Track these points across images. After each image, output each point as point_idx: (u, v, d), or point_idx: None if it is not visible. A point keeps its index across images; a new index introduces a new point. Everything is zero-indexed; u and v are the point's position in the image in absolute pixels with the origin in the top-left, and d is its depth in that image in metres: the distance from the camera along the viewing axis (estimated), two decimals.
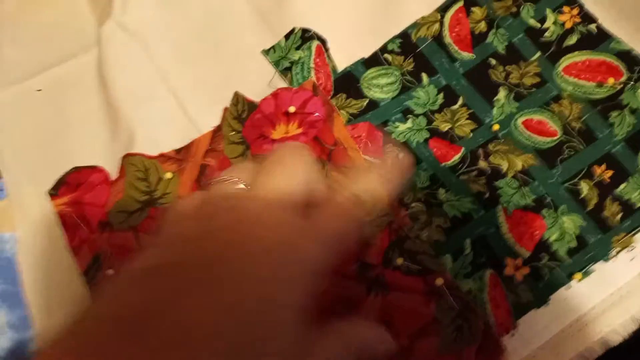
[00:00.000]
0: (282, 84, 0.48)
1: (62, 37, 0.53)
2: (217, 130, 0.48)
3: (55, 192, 0.47)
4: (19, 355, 0.43)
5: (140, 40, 0.52)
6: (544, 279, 0.41)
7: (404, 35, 0.49)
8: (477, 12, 0.49)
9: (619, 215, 0.42)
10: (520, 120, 0.45)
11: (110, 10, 0.52)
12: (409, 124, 0.46)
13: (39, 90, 0.52)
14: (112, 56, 0.51)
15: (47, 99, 0.51)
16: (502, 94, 0.46)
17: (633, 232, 0.41)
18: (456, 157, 0.45)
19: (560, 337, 0.40)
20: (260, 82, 0.49)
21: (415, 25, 0.49)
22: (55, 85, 0.52)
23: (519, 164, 0.44)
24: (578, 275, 0.41)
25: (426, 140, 0.45)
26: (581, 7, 0.47)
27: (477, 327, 0.39)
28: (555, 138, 0.44)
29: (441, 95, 0.47)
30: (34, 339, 0.43)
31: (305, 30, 0.50)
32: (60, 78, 0.52)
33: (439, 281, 0.40)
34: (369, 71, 0.48)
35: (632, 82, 0.45)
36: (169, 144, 0.47)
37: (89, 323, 0.22)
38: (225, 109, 0.48)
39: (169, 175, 0.46)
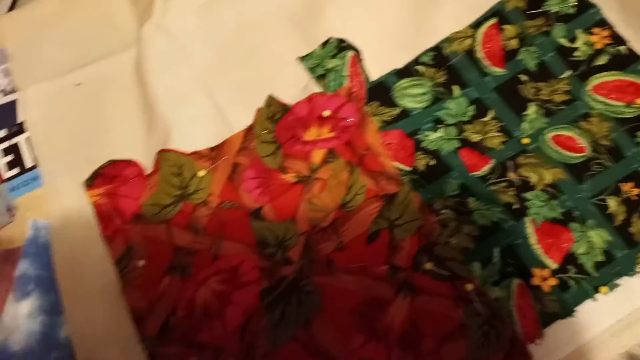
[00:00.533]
0: (316, 89, 0.50)
1: (102, 35, 0.55)
2: (250, 130, 0.49)
3: (90, 183, 0.48)
4: (49, 339, 0.44)
5: (180, 42, 0.53)
6: (570, 290, 0.41)
7: (437, 49, 0.50)
8: (509, 29, 0.50)
9: None
10: (549, 135, 0.46)
11: (151, 12, 0.54)
12: (439, 133, 0.47)
13: (78, 84, 0.53)
14: (151, 56, 0.52)
15: (86, 94, 0.53)
16: (532, 109, 0.47)
17: None
18: (486, 168, 0.45)
19: (586, 348, 0.40)
20: (293, 87, 0.50)
21: (448, 40, 0.50)
22: (94, 81, 0.53)
23: (548, 177, 0.45)
24: (604, 289, 0.41)
25: (456, 149, 0.46)
26: (612, 29, 0.48)
27: (504, 334, 0.39)
28: (583, 154, 0.45)
29: (472, 107, 0.48)
30: (63, 324, 0.44)
31: (340, 41, 0.51)
32: (100, 74, 0.53)
33: (469, 286, 0.40)
34: (401, 81, 0.49)
35: None
36: (203, 142, 0.49)
37: None
38: (259, 110, 0.49)
39: (202, 172, 0.47)
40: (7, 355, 0.43)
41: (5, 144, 0.52)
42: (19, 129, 0.53)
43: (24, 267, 0.46)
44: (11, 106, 0.54)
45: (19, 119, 0.53)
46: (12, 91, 0.55)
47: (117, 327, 0.43)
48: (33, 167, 0.51)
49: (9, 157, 0.52)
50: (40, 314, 0.45)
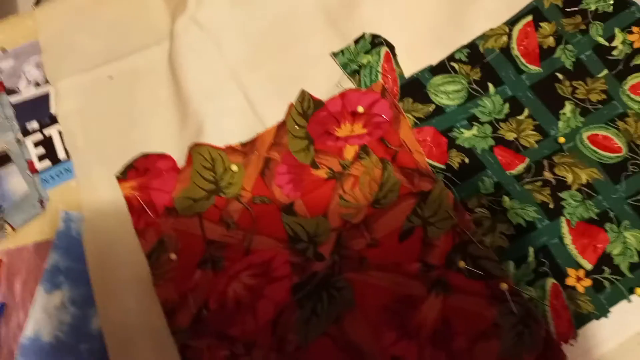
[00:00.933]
0: (349, 85, 0.49)
1: (135, 28, 0.55)
2: (282, 125, 0.49)
3: (123, 175, 0.48)
4: (79, 331, 0.44)
5: (213, 36, 0.53)
6: (605, 291, 0.41)
7: (472, 46, 0.50)
8: (546, 27, 0.49)
9: None
10: (585, 135, 0.46)
11: (185, 6, 0.54)
12: (474, 130, 0.47)
13: (110, 77, 0.53)
14: (184, 50, 0.52)
15: (118, 87, 0.53)
16: (568, 108, 0.47)
17: None
18: (521, 167, 0.45)
19: (620, 350, 0.40)
20: (326, 82, 0.50)
21: (484, 37, 0.50)
22: (126, 74, 0.53)
23: (583, 177, 0.44)
24: (639, 290, 0.41)
25: (491, 147, 0.46)
26: None
27: (538, 334, 0.39)
28: (620, 154, 0.45)
29: (507, 105, 0.48)
30: (94, 316, 0.44)
31: (375, 36, 0.51)
32: (132, 67, 0.54)
33: (504, 286, 0.40)
34: (435, 78, 0.49)
35: None
36: (236, 136, 0.49)
37: None
38: (291, 105, 0.49)
39: (235, 167, 0.47)
40: (38, 347, 0.44)
41: (38, 136, 0.52)
42: (51, 121, 0.53)
43: (54, 259, 0.47)
44: (44, 98, 0.54)
45: (52, 111, 0.53)
46: (45, 83, 0.55)
47: (149, 319, 0.44)
48: (65, 160, 0.51)
49: (42, 149, 0.52)
50: (71, 306, 0.45)
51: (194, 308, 0.43)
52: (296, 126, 0.48)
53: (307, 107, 0.49)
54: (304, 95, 0.49)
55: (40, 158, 0.52)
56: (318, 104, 0.49)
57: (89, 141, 0.51)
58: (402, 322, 0.41)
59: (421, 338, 0.40)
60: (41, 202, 0.49)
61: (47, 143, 0.52)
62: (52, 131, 0.53)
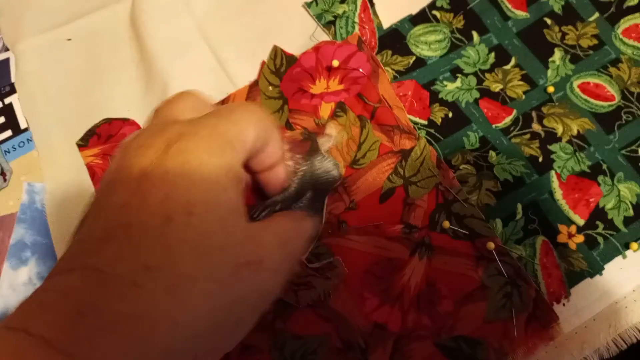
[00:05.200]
0: (324, 38, 0.46)
1: None
2: (254, 85, 0.46)
3: (84, 143, 0.45)
4: None
5: None
6: (598, 247, 0.39)
7: None
8: None
9: None
10: (576, 83, 0.43)
11: None
12: (458, 83, 0.44)
13: (69, 39, 0.50)
14: (148, 6, 0.49)
15: (78, 49, 0.49)
16: (557, 55, 0.44)
17: None
18: (508, 119, 0.42)
19: (614, 308, 0.38)
20: (300, 36, 0.47)
21: None
22: (86, 34, 0.50)
23: (574, 128, 0.42)
24: (634, 245, 0.38)
25: (476, 100, 0.43)
26: None
27: (528, 295, 0.37)
28: (613, 103, 0.42)
29: (492, 54, 0.44)
30: None
31: None
32: (92, 27, 0.50)
33: (491, 245, 0.38)
34: (416, 28, 0.46)
35: None
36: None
37: None
38: (263, 63, 0.46)
39: None
40: None
41: None
42: (12, 89, 0.50)
43: (19, 233, 0.44)
44: (3, 65, 0.51)
45: (12, 80, 0.50)
46: (4, 50, 0.52)
47: None
48: (27, 129, 0.48)
49: (1, 119, 0.49)
50: (39, 281, 0.43)
51: None
52: (269, 86, 0.45)
53: (280, 64, 0.46)
54: (276, 52, 0.46)
55: (1, 128, 0.49)
56: (291, 60, 0.46)
57: (49, 108, 0.47)
58: (385, 287, 0.39)
59: (405, 303, 0.38)
60: (3, 174, 0.47)
61: (7, 112, 0.49)
62: (13, 99, 0.49)
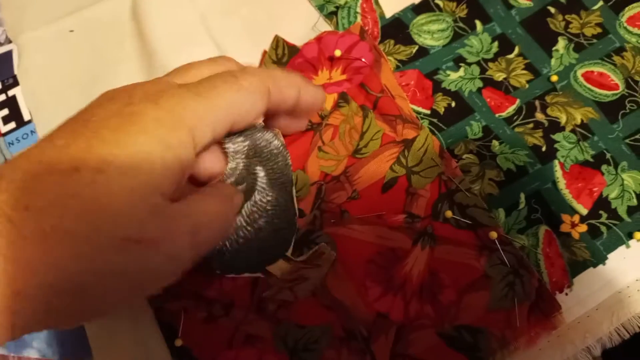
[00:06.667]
0: (326, 28, 0.46)
1: None
2: None
3: None
4: None
5: None
6: (602, 237, 0.39)
7: None
8: None
9: None
10: (580, 72, 0.43)
11: None
12: (460, 72, 0.44)
13: (72, 31, 0.50)
14: None
15: (80, 40, 0.50)
16: (561, 44, 0.43)
17: None
18: (511, 109, 0.42)
19: (617, 297, 0.38)
20: (303, 26, 0.47)
21: None
22: (89, 26, 0.50)
23: (578, 117, 0.41)
24: (638, 235, 0.38)
25: (479, 89, 0.43)
26: None
27: (530, 284, 0.37)
28: (617, 92, 0.42)
29: (496, 43, 0.44)
30: None
31: None
32: (95, 19, 0.50)
33: (493, 235, 0.38)
34: (419, 17, 0.46)
35: None
36: None
37: None
38: (264, 53, 0.46)
39: None
40: None
41: (1, 97, 0.50)
42: (15, 82, 0.50)
43: None
44: (6, 57, 0.51)
45: (15, 72, 0.50)
46: (7, 42, 0.52)
47: None
48: (31, 121, 0.48)
49: (5, 111, 0.49)
50: None
51: None
52: None
53: (282, 54, 0.46)
54: (277, 42, 0.46)
55: (5, 120, 0.49)
56: (293, 50, 0.45)
57: (51, 98, 0.48)
58: (387, 277, 0.39)
59: (407, 292, 0.38)
60: None
61: (11, 104, 0.49)
62: (16, 91, 0.50)
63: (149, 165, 0.24)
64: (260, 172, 0.34)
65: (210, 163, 0.32)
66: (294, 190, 0.38)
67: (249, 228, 0.34)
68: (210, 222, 0.29)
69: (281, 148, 0.35)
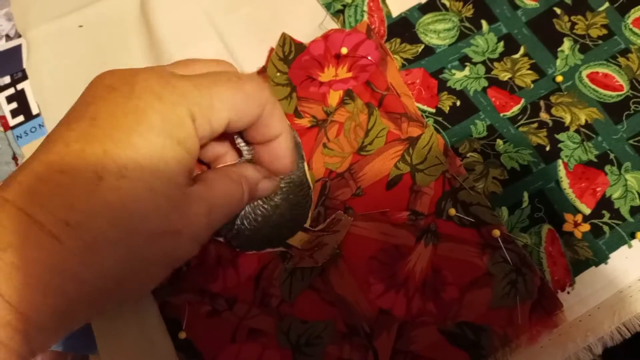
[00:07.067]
0: (333, 26, 0.46)
1: None
2: (262, 72, 0.46)
3: None
4: None
5: None
6: (604, 236, 0.39)
7: None
8: None
9: None
10: (585, 73, 0.43)
11: None
12: (466, 71, 0.44)
13: (81, 26, 0.50)
14: None
15: (88, 35, 0.50)
16: (566, 45, 0.44)
17: None
18: (516, 108, 0.42)
19: (619, 297, 0.38)
20: (309, 24, 0.47)
21: None
22: (97, 21, 0.50)
23: (582, 117, 0.41)
24: None
25: (484, 89, 0.43)
26: None
27: (532, 282, 0.37)
28: (621, 93, 0.42)
29: (501, 43, 0.44)
30: None
31: None
32: (103, 14, 0.51)
33: (496, 233, 0.38)
34: (425, 16, 0.46)
35: None
36: None
37: None
38: (271, 50, 0.46)
39: None
40: None
41: (10, 91, 0.50)
42: (24, 75, 0.50)
43: None
44: (15, 51, 0.52)
45: (24, 66, 0.51)
46: (17, 36, 0.52)
47: None
48: (39, 114, 0.49)
49: (14, 105, 0.50)
50: None
51: None
52: (277, 72, 0.45)
53: (289, 51, 0.46)
54: (284, 39, 0.46)
55: (14, 114, 0.49)
56: (300, 47, 0.46)
57: (59, 92, 0.48)
58: (390, 273, 0.39)
59: (410, 289, 0.38)
60: (15, 159, 0.47)
61: (20, 98, 0.50)
62: (25, 85, 0.50)
63: (164, 163, 0.25)
64: None
65: (216, 147, 0.34)
66: (305, 165, 0.39)
67: (265, 206, 0.37)
68: (222, 202, 0.30)
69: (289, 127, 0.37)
